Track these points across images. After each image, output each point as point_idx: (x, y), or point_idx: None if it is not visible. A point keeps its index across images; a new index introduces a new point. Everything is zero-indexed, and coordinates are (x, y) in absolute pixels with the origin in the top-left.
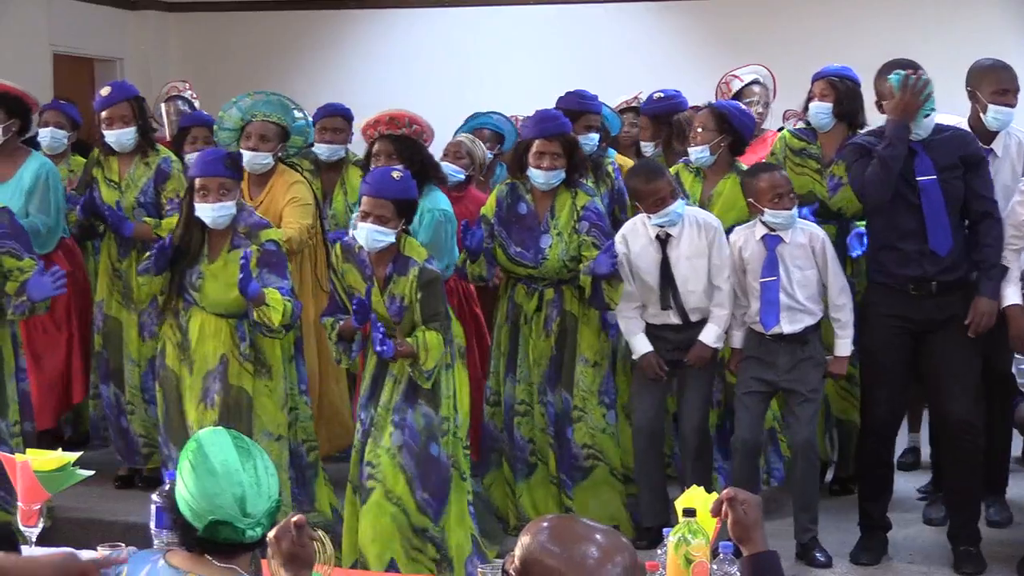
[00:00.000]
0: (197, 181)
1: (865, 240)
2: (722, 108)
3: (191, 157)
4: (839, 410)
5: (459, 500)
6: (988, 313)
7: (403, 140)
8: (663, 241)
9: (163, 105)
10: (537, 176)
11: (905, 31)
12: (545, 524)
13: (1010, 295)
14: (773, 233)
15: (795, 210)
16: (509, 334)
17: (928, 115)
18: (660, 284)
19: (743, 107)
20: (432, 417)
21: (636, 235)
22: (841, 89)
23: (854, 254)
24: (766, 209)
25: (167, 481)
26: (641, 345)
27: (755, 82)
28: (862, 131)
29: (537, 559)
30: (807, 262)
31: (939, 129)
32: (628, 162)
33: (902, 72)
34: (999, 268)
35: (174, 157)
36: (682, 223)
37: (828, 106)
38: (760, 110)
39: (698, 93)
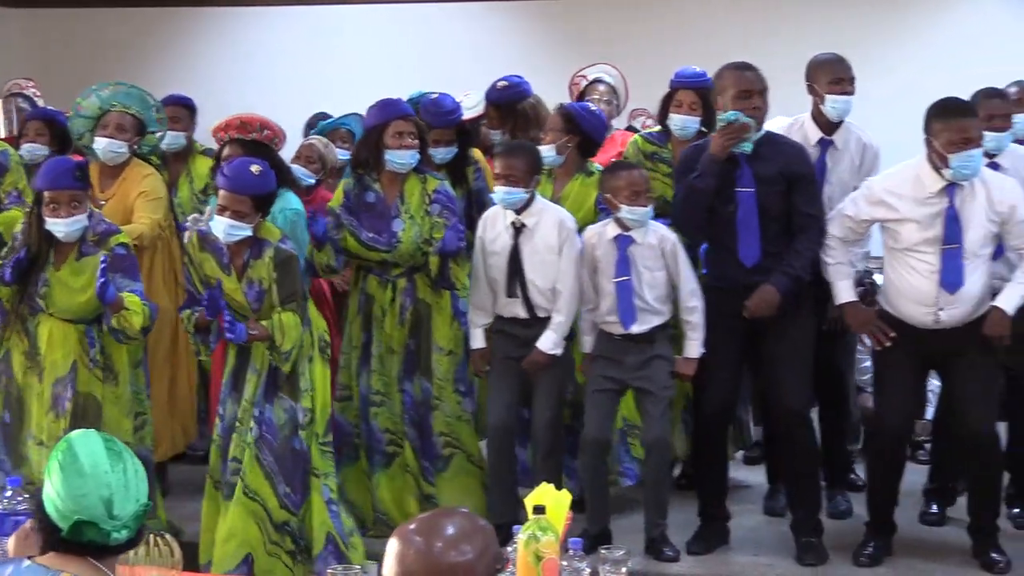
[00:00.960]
0: (46, 194)
1: None
2: (570, 109)
3: (27, 149)
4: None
5: (315, 496)
6: (766, 302)
7: (254, 145)
8: (518, 230)
9: (1, 102)
10: (401, 156)
11: (754, 30)
12: (413, 521)
13: (843, 292)
14: (625, 233)
15: (650, 208)
16: (362, 326)
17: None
18: (508, 272)
19: (593, 108)
20: (294, 410)
21: (495, 221)
22: (708, 101)
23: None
24: (622, 205)
25: (9, 488)
26: (476, 340)
27: (599, 80)
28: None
29: (397, 552)
30: (656, 263)
31: (772, 140)
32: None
33: (734, 115)
34: (795, 272)
35: (12, 150)
36: (540, 216)
37: (698, 119)
38: (603, 108)
39: (552, 92)
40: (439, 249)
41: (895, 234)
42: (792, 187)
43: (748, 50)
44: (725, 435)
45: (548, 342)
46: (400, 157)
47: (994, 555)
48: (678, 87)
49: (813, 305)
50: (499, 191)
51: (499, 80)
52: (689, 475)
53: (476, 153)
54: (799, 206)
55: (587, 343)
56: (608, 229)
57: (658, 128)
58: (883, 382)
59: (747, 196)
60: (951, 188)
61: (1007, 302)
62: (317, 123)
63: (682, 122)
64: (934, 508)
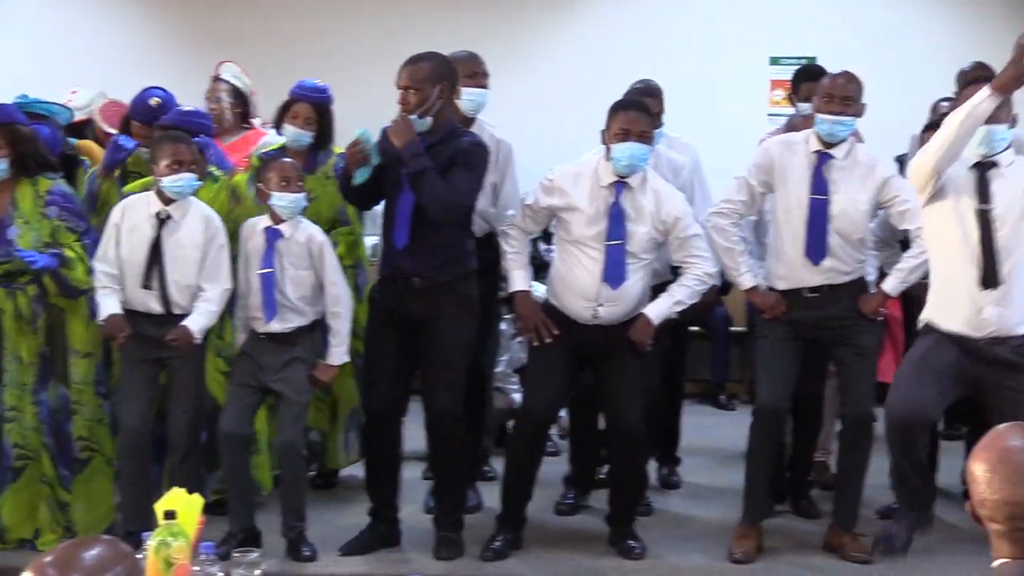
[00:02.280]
0: None
1: None
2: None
3: None
4: (312, 420)
5: None
6: None
7: None
8: (162, 221)
9: None
10: None
11: (395, 31)
12: (50, 552)
13: (517, 282)
14: (275, 226)
15: (300, 196)
16: None
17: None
18: (147, 263)
19: (189, 108)
20: None
21: (136, 208)
22: (325, 116)
23: None
24: (273, 193)
25: None
26: (108, 307)
27: (219, 79)
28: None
29: None
30: (303, 261)
31: (453, 130)
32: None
33: (362, 132)
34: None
35: None
36: (187, 210)
37: (311, 134)
38: (214, 105)
39: (183, 88)
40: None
41: (567, 225)
42: (456, 166)
43: (394, 48)
44: (397, 433)
45: (195, 324)
46: None
47: (630, 542)
48: (296, 99)
49: (474, 303)
50: (168, 179)
51: (149, 97)
52: (325, 475)
53: (88, 149)
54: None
55: (240, 339)
56: (261, 221)
57: (275, 145)
58: (535, 372)
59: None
60: (619, 185)
61: (654, 311)
62: None
63: (295, 134)
64: (570, 497)
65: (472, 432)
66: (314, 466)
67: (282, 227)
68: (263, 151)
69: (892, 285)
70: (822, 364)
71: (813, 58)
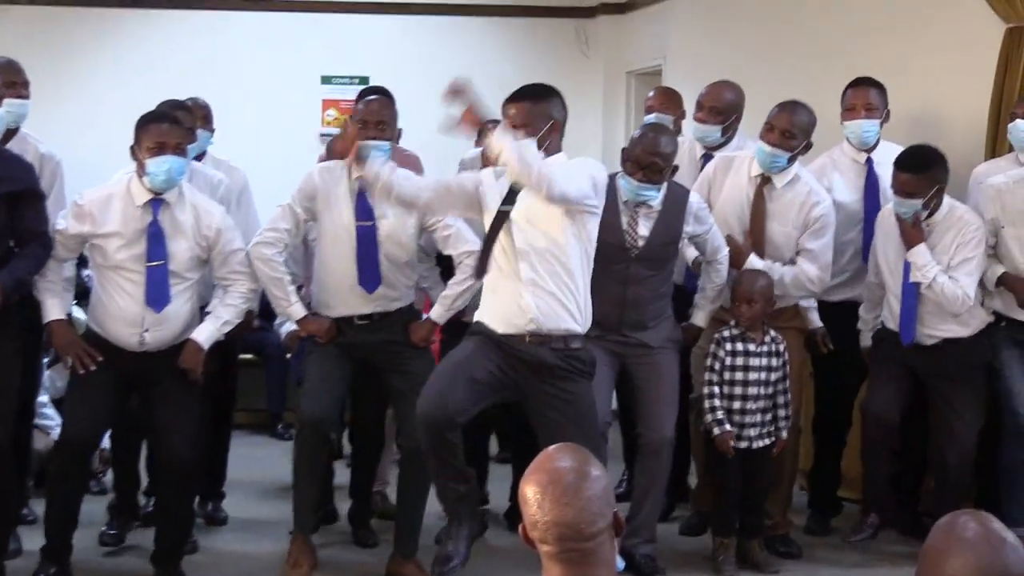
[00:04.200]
0: None
1: None
2: None
3: None
4: None
5: None
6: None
7: None
8: None
9: None
10: None
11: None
12: None
13: (52, 311)
14: None
15: None
16: None
17: None
18: None
19: None
20: None
21: None
22: None
23: None
24: None
25: None
26: None
27: None
28: None
29: None
30: None
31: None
32: None
33: None
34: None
35: None
36: None
37: None
38: None
39: None
40: None
41: (102, 250)
42: (18, 202)
43: None
44: (7, 460)
45: None
46: None
47: None
48: None
49: (20, 326)
50: None
51: None
52: None
53: None
54: (26, 222)
55: None
56: None
57: None
58: (74, 396)
59: None
60: (155, 203)
61: (202, 335)
62: None
63: None
64: (114, 528)
65: (19, 470)
66: None
67: None
68: None
69: (439, 313)
70: (377, 391)
71: (367, 78)
